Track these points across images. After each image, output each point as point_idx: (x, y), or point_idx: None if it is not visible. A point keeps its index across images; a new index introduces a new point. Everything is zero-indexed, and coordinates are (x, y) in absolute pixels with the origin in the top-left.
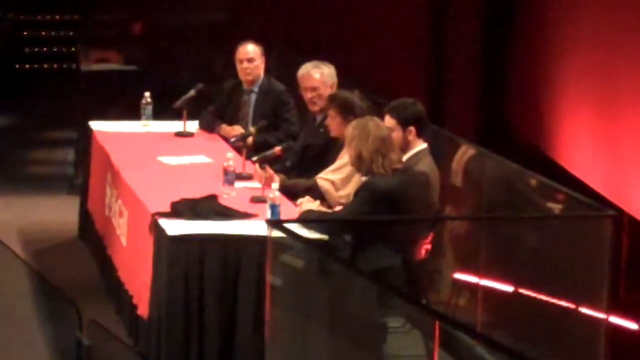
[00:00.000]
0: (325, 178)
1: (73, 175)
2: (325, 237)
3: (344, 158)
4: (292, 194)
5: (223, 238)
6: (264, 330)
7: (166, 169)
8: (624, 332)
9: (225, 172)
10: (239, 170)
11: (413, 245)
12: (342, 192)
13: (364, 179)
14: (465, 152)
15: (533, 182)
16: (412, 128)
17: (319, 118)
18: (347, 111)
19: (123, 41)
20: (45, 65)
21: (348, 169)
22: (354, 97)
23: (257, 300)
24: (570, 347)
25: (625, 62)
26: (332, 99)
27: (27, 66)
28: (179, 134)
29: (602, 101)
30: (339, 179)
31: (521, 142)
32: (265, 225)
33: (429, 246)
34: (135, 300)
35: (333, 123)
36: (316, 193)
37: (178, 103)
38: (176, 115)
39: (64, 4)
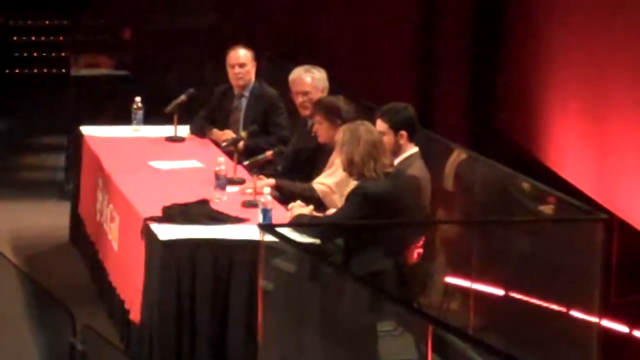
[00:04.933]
0: (322, 183)
1: (64, 180)
2: (317, 241)
3: (336, 163)
4: (286, 194)
5: (215, 243)
6: (257, 334)
7: (157, 173)
8: (615, 336)
9: (217, 176)
10: (230, 175)
11: (405, 249)
12: (338, 196)
13: (355, 183)
14: (456, 156)
15: (524, 185)
16: (403, 132)
17: (310, 122)
18: (334, 116)
19: (113, 46)
20: (35, 70)
21: (341, 172)
22: (340, 101)
23: (249, 304)
24: (562, 351)
25: (614, 67)
26: (317, 104)
27: (16, 71)
28: (170, 139)
29: (592, 105)
30: (333, 182)
31: (512, 146)
32: (257, 229)
33: (420, 250)
34: (127, 305)
35: (321, 129)
36: (311, 197)
37: (169, 108)
38: (167, 120)
39: (54, 9)
